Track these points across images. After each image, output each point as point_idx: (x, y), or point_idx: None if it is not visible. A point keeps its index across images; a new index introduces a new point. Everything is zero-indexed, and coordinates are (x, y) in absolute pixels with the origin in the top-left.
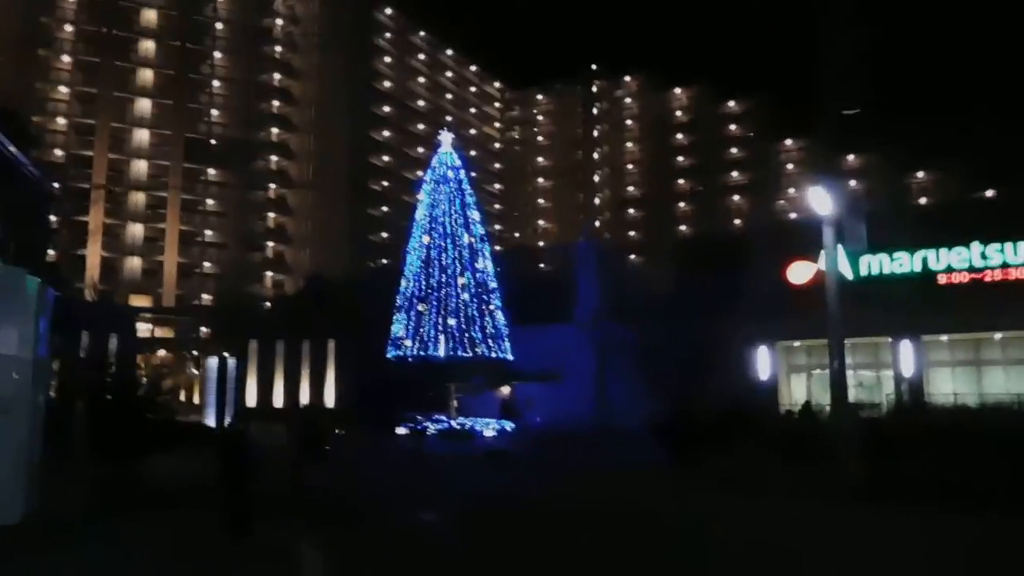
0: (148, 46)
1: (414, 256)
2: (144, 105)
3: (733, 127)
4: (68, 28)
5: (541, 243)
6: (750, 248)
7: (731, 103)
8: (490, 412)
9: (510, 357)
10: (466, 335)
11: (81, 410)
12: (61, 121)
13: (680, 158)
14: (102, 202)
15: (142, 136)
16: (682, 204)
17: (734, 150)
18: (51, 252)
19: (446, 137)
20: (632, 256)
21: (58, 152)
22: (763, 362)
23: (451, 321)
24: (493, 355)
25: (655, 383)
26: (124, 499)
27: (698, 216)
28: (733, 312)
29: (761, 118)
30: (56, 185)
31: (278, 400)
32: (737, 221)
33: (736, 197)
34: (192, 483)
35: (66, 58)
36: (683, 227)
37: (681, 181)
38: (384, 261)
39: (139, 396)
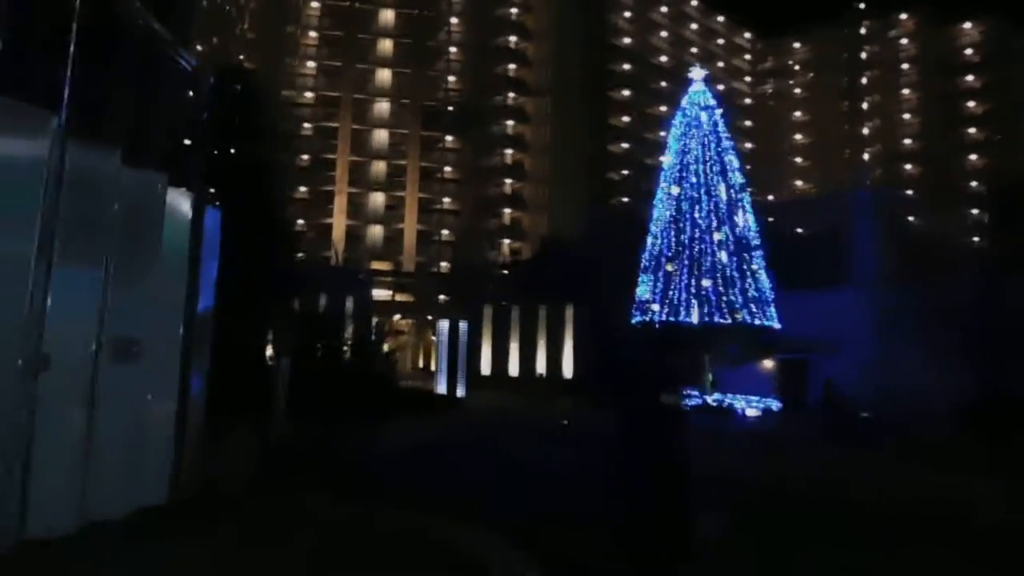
0: (387, 16)
1: (662, 209)
2: (384, 75)
3: None
4: (315, 3)
5: (793, 209)
6: None
7: None
8: (750, 387)
9: (776, 325)
10: (723, 299)
11: (285, 368)
12: (308, 95)
13: (970, 103)
14: (346, 172)
15: (382, 106)
16: (973, 157)
17: None
18: (300, 221)
19: (698, 73)
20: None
21: (306, 125)
22: None
23: (706, 283)
24: (756, 322)
25: (957, 358)
26: (311, 473)
27: (993, 170)
28: None
29: None
30: (306, 157)
31: (513, 368)
32: None
33: None
34: (402, 460)
35: (313, 33)
36: (974, 183)
37: (972, 131)
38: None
39: (355, 356)
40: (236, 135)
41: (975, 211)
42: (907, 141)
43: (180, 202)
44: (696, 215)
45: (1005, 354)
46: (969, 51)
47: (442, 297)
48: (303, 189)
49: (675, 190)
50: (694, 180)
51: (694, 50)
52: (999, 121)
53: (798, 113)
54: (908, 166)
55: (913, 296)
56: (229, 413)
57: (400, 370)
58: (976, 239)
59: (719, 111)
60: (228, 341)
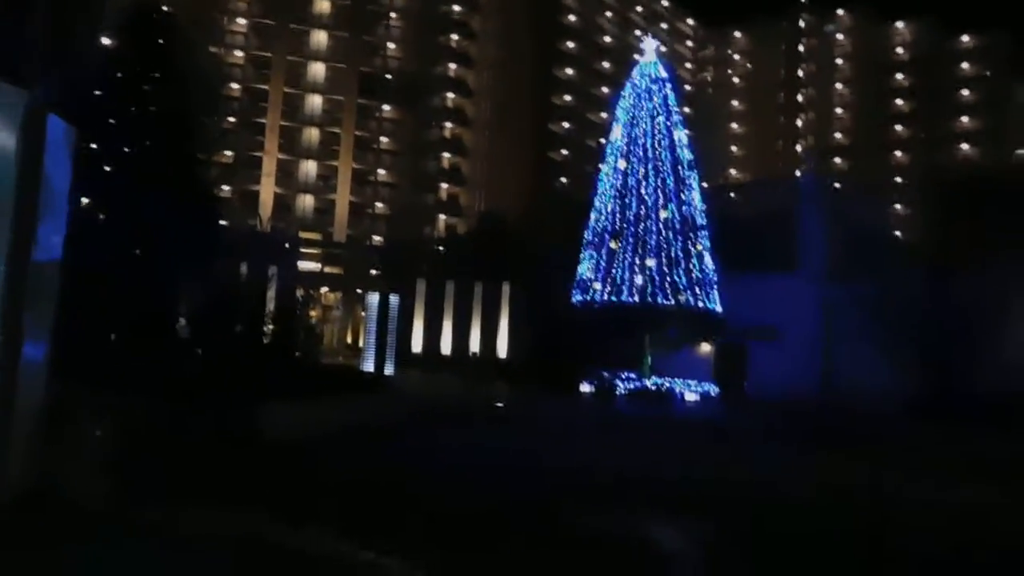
0: None
1: (607, 184)
2: (320, 37)
3: (965, 66)
4: None
5: (731, 194)
6: None
7: (963, 38)
8: (687, 371)
9: (718, 308)
10: (667, 279)
11: (182, 342)
12: (239, 54)
13: (899, 101)
14: (276, 138)
15: (317, 70)
16: (898, 153)
17: (965, 92)
18: (226, 187)
19: (650, 44)
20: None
21: (235, 85)
22: None
23: (650, 262)
24: (699, 305)
25: (901, 350)
26: (188, 470)
27: (917, 167)
28: (1016, 267)
29: (999, 56)
30: (233, 119)
31: (446, 347)
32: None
33: (965, 146)
34: (300, 455)
35: None
36: (898, 179)
37: (899, 128)
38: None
39: (274, 329)
40: (150, 82)
41: (899, 206)
42: (839, 136)
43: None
44: (643, 191)
45: (949, 347)
46: (900, 50)
47: (374, 271)
48: (229, 153)
49: (622, 164)
50: (642, 155)
51: (638, 32)
52: (924, 120)
53: (736, 103)
54: (838, 160)
55: (858, 287)
56: (102, 393)
57: (326, 346)
58: (898, 233)
59: (669, 85)
60: (114, 306)
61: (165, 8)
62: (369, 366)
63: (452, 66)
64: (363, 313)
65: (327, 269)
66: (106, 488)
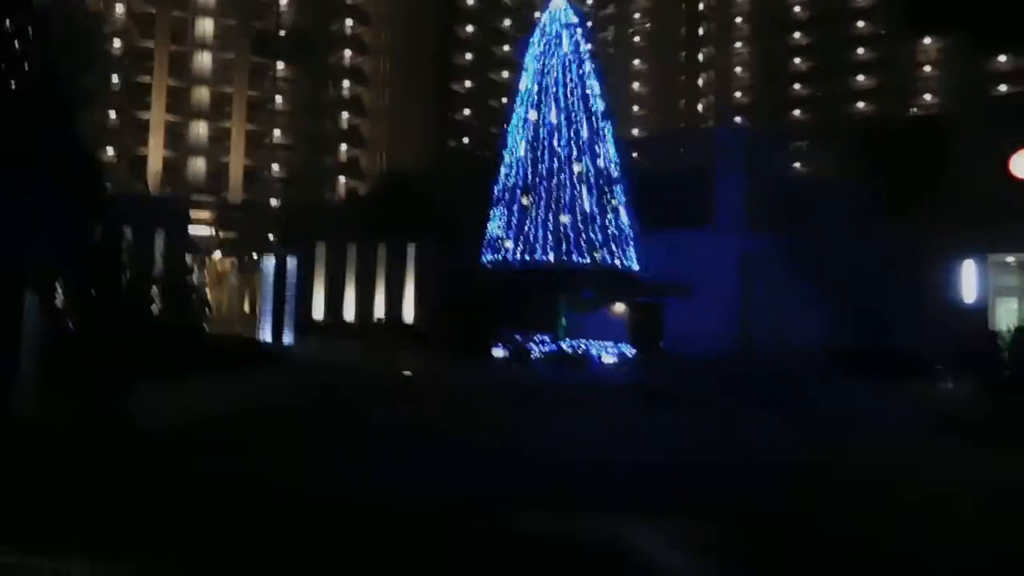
0: None
1: (517, 136)
2: None
3: (860, 24)
4: None
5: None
6: (950, 134)
7: None
8: (602, 332)
9: (635, 266)
10: (582, 236)
11: (33, 313)
12: (120, 9)
13: (797, 60)
14: (164, 98)
15: (206, 26)
16: (797, 112)
17: (860, 51)
18: (109, 150)
19: None
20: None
21: (117, 43)
22: (968, 282)
23: (564, 219)
24: (616, 262)
25: (815, 304)
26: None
27: (814, 126)
28: (928, 217)
29: (894, 13)
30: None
31: (349, 313)
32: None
33: (861, 104)
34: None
35: None
36: (798, 141)
37: (797, 86)
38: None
39: (162, 299)
40: (13, 32)
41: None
42: (739, 95)
43: None
44: (555, 143)
45: (869, 299)
46: (798, 9)
47: (271, 236)
48: (112, 115)
49: (532, 115)
50: (553, 104)
51: None
52: (821, 79)
53: (637, 62)
54: (739, 119)
55: (778, 240)
56: None
57: (221, 315)
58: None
59: (580, 31)
60: None
61: None
62: (266, 335)
63: (349, 23)
64: (260, 279)
65: (222, 234)
66: None
